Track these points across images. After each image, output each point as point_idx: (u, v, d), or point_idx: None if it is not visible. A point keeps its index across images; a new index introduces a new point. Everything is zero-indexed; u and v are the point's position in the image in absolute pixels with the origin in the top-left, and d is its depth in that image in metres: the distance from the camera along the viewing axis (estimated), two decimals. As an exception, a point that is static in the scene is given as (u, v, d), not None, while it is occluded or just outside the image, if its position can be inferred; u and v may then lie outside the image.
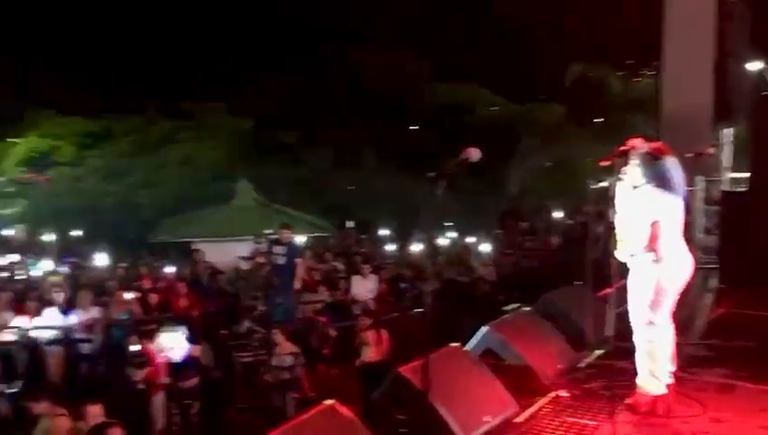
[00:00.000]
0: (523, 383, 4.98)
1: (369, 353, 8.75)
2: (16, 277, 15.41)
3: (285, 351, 8.49)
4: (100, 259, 17.04)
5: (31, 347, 10.87)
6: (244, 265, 13.05)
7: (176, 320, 9.75)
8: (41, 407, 6.41)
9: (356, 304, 12.04)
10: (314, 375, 9.71)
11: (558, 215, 22.67)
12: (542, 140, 27.32)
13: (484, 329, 5.60)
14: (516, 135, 28.05)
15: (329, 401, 3.58)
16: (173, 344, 8.50)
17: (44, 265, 16.63)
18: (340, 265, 15.61)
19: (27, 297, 12.15)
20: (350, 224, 26.04)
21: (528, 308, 6.50)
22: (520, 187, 28.76)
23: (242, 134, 27.61)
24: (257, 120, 28.45)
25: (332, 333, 10.69)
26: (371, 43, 29.68)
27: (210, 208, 20.00)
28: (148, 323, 10.28)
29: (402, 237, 21.64)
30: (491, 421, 4.29)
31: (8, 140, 29.57)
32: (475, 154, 3.62)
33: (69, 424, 6.14)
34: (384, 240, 22.11)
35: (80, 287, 12.66)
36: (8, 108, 30.81)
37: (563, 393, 4.97)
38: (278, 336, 8.66)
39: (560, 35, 26.48)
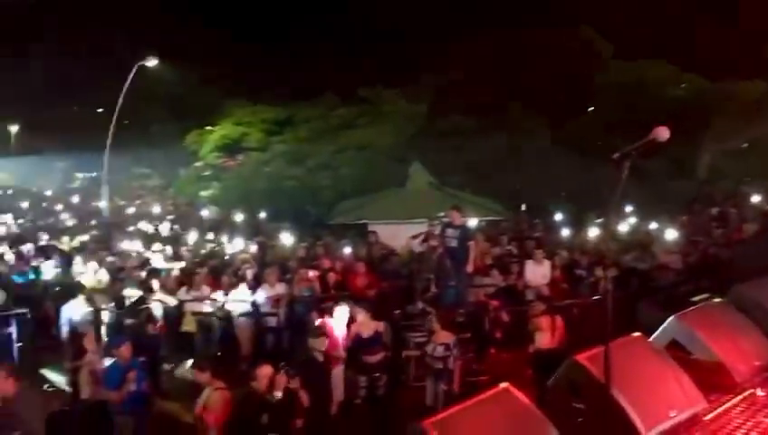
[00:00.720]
0: (712, 379, 4.64)
1: (543, 340, 8.57)
2: (213, 254, 16.76)
3: (440, 339, 8.47)
4: (285, 239, 18.09)
5: (225, 319, 11.89)
6: (418, 248, 13.23)
7: (353, 298, 10.17)
8: (204, 377, 6.94)
9: (529, 289, 11.84)
10: (485, 358, 9.71)
11: (755, 200, 20.68)
12: (737, 119, 25.02)
13: (670, 319, 5.27)
14: (707, 114, 25.94)
15: (503, 384, 3.56)
16: (355, 320, 8.88)
17: (236, 244, 17.95)
18: (513, 250, 15.41)
19: (222, 273, 13.26)
20: (523, 207, 25.52)
21: (719, 299, 6.03)
22: (709, 170, 26.64)
23: (416, 119, 27.93)
24: (431, 105, 28.66)
25: (504, 317, 10.60)
26: (552, 24, 28.78)
27: (385, 192, 20.48)
28: (328, 299, 10.81)
29: (577, 222, 20.87)
30: (676, 416, 4.04)
31: (206, 128, 32.28)
32: (663, 133, 3.39)
33: (227, 396, 6.67)
34: (558, 225, 21.43)
35: (266, 265, 13.56)
36: (210, 98, 33.84)
37: (760, 392, 4.56)
38: (434, 324, 8.63)
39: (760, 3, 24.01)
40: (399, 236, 15.42)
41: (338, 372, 8.83)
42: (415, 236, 13.52)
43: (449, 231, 11.23)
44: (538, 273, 12.13)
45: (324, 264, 13.27)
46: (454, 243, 11.08)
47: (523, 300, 11.22)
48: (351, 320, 9.07)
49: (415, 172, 19.24)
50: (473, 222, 14.40)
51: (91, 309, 10.42)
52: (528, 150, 26.69)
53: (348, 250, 15.47)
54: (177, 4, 39.70)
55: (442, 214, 12.05)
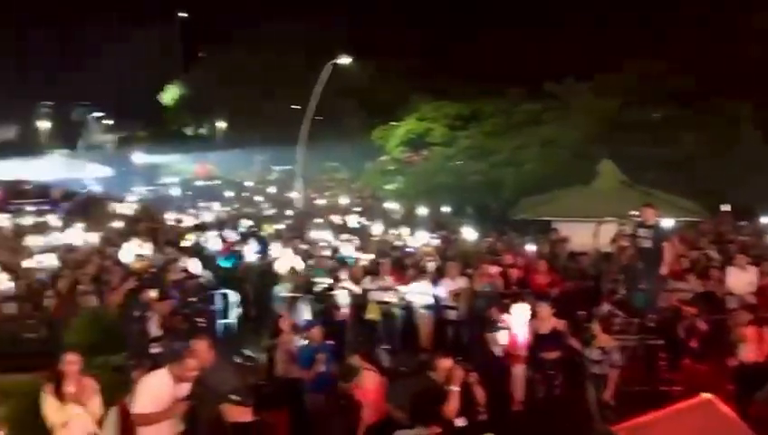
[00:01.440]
0: None
1: (748, 352, 7.86)
2: (396, 246, 17.23)
3: (599, 343, 8.10)
4: (467, 233, 18.17)
5: (407, 309, 12.18)
6: (607, 247, 12.67)
7: (535, 295, 9.96)
8: (356, 360, 7.43)
9: (731, 297, 10.88)
10: (679, 368, 9.08)
11: None
12: None
13: None
14: None
15: (706, 395, 3.30)
16: (534, 317, 8.71)
17: (419, 237, 18.31)
18: (712, 253, 14.24)
19: (405, 265, 13.59)
20: (725, 208, 23.39)
21: None
22: None
23: (606, 113, 26.67)
24: (626, 97, 27.19)
25: (702, 325, 9.82)
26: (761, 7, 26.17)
27: (571, 189, 19.80)
28: (509, 296, 10.69)
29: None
30: None
31: (392, 123, 33.22)
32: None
33: (376, 377, 7.12)
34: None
35: (448, 259, 13.69)
36: (397, 94, 34.86)
37: None
38: (596, 327, 8.30)
39: None
40: (585, 234, 14.84)
41: (518, 370, 8.71)
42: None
43: (641, 231, 10.57)
44: (743, 280, 11.10)
45: (506, 260, 13.13)
46: (647, 243, 10.42)
47: (724, 308, 10.33)
48: (532, 317, 8.90)
49: (604, 169, 18.38)
50: (668, 222, 13.49)
51: (288, 293, 11.14)
52: (733, 144, 24.47)
53: (530, 247, 15.19)
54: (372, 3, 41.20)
55: (634, 212, 11.40)
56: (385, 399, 7.28)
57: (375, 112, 35.34)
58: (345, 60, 26.98)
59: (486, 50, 35.35)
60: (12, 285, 13.06)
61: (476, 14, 38.98)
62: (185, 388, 5.68)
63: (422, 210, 25.15)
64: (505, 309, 9.49)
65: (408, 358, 10.89)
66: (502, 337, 8.27)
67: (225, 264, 15.23)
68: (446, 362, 6.49)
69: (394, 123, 33.14)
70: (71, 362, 6.03)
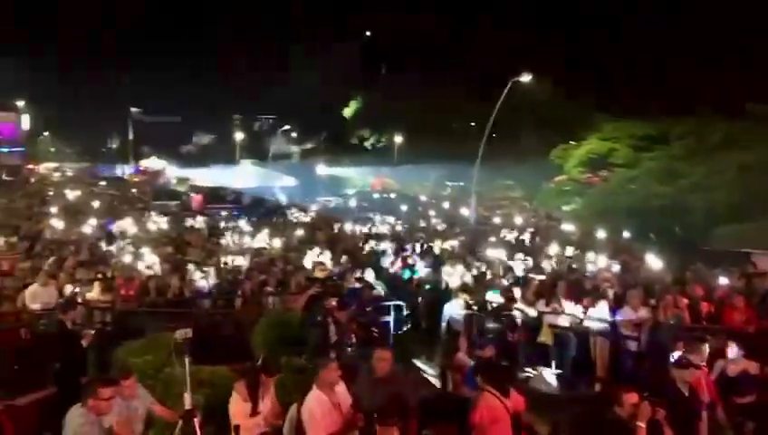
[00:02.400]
0: None
1: None
2: (573, 269, 16.63)
3: None
4: (650, 260, 17.14)
5: (581, 335, 11.68)
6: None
7: (728, 333, 9.16)
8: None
9: None
10: None
11: None
12: None
13: None
14: None
15: None
16: (725, 357, 8.04)
17: (597, 261, 17.55)
18: None
19: (581, 289, 13.06)
20: None
21: None
22: None
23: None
24: None
25: None
26: None
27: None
28: (698, 331, 9.91)
29: None
30: None
31: (572, 142, 32.28)
32: None
33: (491, 401, 6.44)
34: None
35: (629, 286, 12.96)
36: (577, 113, 33.85)
37: None
38: None
39: None
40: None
41: (705, 413, 8.03)
42: None
43: None
44: None
45: (696, 292, 12.19)
46: None
47: None
48: (723, 357, 8.20)
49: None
50: None
51: (465, 311, 11.13)
52: None
53: (724, 280, 13.99)
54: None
55: None
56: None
57: (554, 131, 34.51)
58: (526, 77, 26.62)
59: (675, 68, 33.26)
60: (205, 282, 14.18)
61: (664, 28, 36.84)
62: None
63: (600, 233, 24.08)
64: (693, 345, 8.82)
65: (581, 386, 10.45)
66: (689, 373, 7.66)
67: (401, 276, 15.54)
68: (632, 397, 6.14)
69: (574, 143, 32.18)
70: (263, 358, 6.46)
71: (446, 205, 38.12)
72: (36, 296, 11.61)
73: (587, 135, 31.66)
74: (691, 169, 26.58)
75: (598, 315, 11.49)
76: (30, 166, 57.32)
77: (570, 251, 19.82)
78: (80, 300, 11.02)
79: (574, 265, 17.23)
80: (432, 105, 51.18)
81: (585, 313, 11.68)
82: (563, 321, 11.80)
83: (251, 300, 13.02)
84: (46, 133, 62.30)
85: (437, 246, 19.76)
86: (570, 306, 12.00)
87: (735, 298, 11.32)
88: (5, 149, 53.39)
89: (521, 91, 29.19)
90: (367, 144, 60.39)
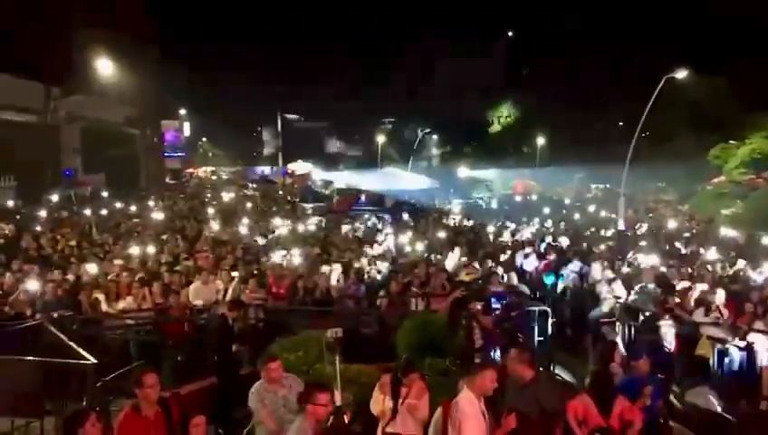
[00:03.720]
0: None
1: None
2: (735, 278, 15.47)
3: None
4: (825, 270, 15.57)
5: (746, 349, 10.83)
6: None
7: None
8: None
9: None
10: None
11: None
12: None
13: None
14: None
15: None
16: None
17: (764, 270, 16.18)
18: None
19: (746, 299, 12.14)
20: None
21: None
22: None
23: None
24: None
25: None
26: None
27: None
28: None
29: None
30: None
31: (731, 142, 30.08)
32: None
33: None
34: None
35: (801, 298, 11.89)
36: (738, 111, 31.43)
37: None
38: None
39: None
40: None
41: None
42: None
43: None
44: None
45: None
46: None
47: None
48: None
49: None
50: None
51: (615, 320, 10.72)
52: None
53: None
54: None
55: None
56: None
57: (712, 130, 32.23)
58: (681, 73, 25.03)
59: None
60: (350, 282, 14.52)
61: None
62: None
63: (765, 240, 22.19)
64: None
65: (743, 404, 9.71)
66: None
67: (545, 281, 15.18)
68: None
69: (734, 142, 29.93)
70: (407, 359, 6.53)
71: (591, 208, 36.72)
72: (199, 293, 12.46)
73: (750, 134, 29.31)
74: None
75: (765, 329, 10.65)
76: (190, 170, 61.77)
77: (731, 258, 18.43)
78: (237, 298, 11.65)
79: (737, 274, 16.03)
80: (576, 105, 49.73)
81: (750, 325, 10.85)
82: (725, 333, 11.02)
83: (395, 301, 13.20)
84: (204, 139, 66.77)
85: (583, 250, 19.07)
86: (732, 318, 11.22)
87: None
88: (170, 154, 57.81)
89: (675, 88, 27.54)
90: (509, 146, 59.62)
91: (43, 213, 25.56)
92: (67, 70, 32.31)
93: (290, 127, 71.28)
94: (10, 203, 29.19)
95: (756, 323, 10.81)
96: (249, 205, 34.11)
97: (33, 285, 12.22)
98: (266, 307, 12.27)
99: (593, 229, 26.14)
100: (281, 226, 24.96)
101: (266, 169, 62.85)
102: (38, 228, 21.59)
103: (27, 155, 32.00)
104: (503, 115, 63.75)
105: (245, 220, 25.30)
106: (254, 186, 51.97)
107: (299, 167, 58.49)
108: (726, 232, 24.51)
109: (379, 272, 15.69)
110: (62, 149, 35.34)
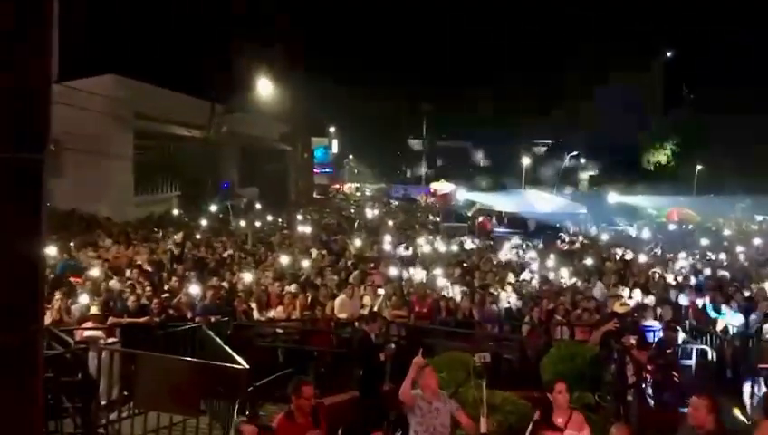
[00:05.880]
0: None
1: None
2: None
3: None
4: None
5: None
6: None
7: None
8: None
9: None
10: None
11: None
12: None
13: None
14: None
15: None
16: None
17: None
18: None
19: None
20: None
21: None
22: None
23: None
24: None
25: None
26: None
27: None
28: None
29: None
30: None
31: None
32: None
33: None
34: None
35: None
36: None
37: None
38: None
39: None
40: None
41: None
42: None
43: None
44: None
45: None
46: None
47: None
48: None
49: None
50: None
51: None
52: None
53: None
54: None
55: None
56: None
57: None
58: None
59: None
60: (495, 306, 14.30)
61: None
62: None
63: None
64: None
65: None
66: None
67: (708, 314, 14.15)
68: None
69: None
70: (559, 390, 6.28)
71: (756, 240, 33.86)
72: (344, 307, 12.76)
73: None
74: None
75: None
76: (336, 185, 63.81)
77: None
78: (383, 314, 11.80)
79: None
80: (739, 129, 46.47)
81: None
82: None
83: (538, 328, 12.85)
84: (351, 156, 68.77)
85: (748, 287, 17.59)
86: None
87: None
88: (319, 171, 60.03)
89: None
90: (665, 172, 56.61)
91: (203, 222, 27.35)
92: (229, 88, 34.47)
93: (434, 145, 71.78)
94: (175, 212, 31.54)
95: None
96: (391, 222, 34.61)
97: (194, 289, 13.02)
98: (408, 325, 12.35)
99: (760, 264, 24.03)
100: (423, 244, 25.09)
101: (410, 188, 63.63)
102: (198, 236, 23.10)
103: (191, 168, 34.49)
104: (657, 137, 60.65)
105: (388, 237, 25.65)
106: (397, 203, 52.75)
107: (442, 186, 58.70)
108: None
109: (523, 296, 15.36)
110: (221, 164, 37.67)
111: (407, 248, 24.26)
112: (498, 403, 7.34)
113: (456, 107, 64.41)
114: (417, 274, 17.87)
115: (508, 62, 64.36)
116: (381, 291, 14.09)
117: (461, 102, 64.48)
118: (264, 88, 33.30)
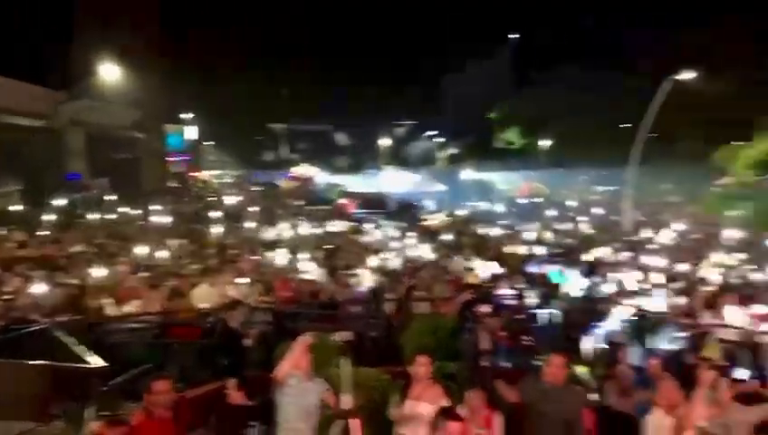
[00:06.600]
0: None
1: None
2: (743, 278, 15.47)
3: None
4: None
5: (752, 348, 10.76)
6: None
7: None
8: None
9: None
10: None
11: None
12: None
13: None
14: None
15: None
16: None
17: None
18: None
19: (753, 300, 12.10)
20: None
21: None
22: None
23: None
24: None
25: None
26: None
27: None
28: None
29: None
30: None
31: (738, 143, 30.02)
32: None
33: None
34: None
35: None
36: (745, 112, 31.34)
37: None
38: None
39: None
40: None
41: None
42: None
43: None
44: None
45: None
46: None
47: None
48: None
49: None
50: None
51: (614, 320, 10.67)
52: None
53: None
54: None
55: None
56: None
57: (718, 131, 32.14)
58: (688, 75, 24.97)
59: None
60: (356, 286, 14.50)
61: None
62: None
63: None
64: None
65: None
66: None
67: (553, 280, 15.09)
68: None
69: (743, 143, 29.86)
70: (421, 363, 6.51)
71: (597, 210, 36.58)
72: (205, 296, 12.44)
73: (756, 135, 29.21)
74: None
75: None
76: (193, 173, 61.68)
77: (739, 259, 18.38)
78: (244, 301, 11.62)
79: (744, 275, 16.00)
80: (582, 107, 49.67)
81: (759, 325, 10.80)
82: (733, 334, 10.96)
83: (401, 304, 13.16)
84: (209, 143, 66.72)
85: (589, 252, 19.03)
86: (740, 318, 11.16)
87: None
88: (173, 158, 57.68)
89: (684, 89, 27.48)
90: (515, 148, 59.57)
91: (48, 217, 25.58)
92: (71, 74, 32.47)
93: (294, 130, 71.21)
94: (15, 207, 29.23)
95: (764, 326, 10.75)
96: (252, 208, 34.08)
97: (38, 288, 12.22)
98: (273, 310, 12.25)
99: (599, 232, 26.05)
100: (286, 229, 24.96)
101: (271, 173, 62.70)
102: (44, 232, 21.63)
103: (33, 160, 32.12)
104: (507, 117, 63.67)
105: (250, 224, 25.30)
106: (259, 189, 51.96)
107: (303, 170, 58.42)
108: (732, 233, 24.41)
109: (384, 275, 15.67)
110: (67, 154, 35.39)
111: (269, 234, 24.05)
112: (362, 380, 7.46)
113: (317, 91, 64.12)
114: (281, 258, 17.78)
115: (366, 46, 64.90)
116: (244, 279, 13.88)
117: (321, 86, 64.26)
118: (112, 73, 31.55)
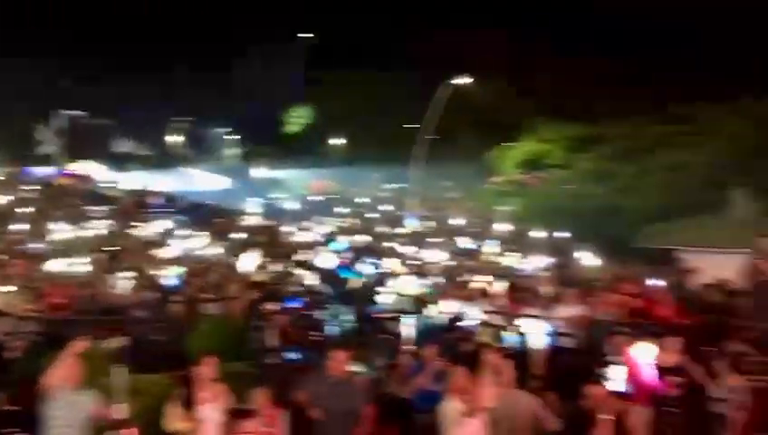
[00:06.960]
0: None
1: None
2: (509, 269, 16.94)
3: (725, 382, 7.56)
4: (585, 259, 17.61)
5: (520, 334, 11.85)
6: (740, 280, 11.86)
7: (658, 328, 9.44)
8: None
9: None
10: None
11: None
12: None
13: None
14: None
15: None
16: (655, 351, 8.27)
17: (533, 261, 17.92)
18: None
19: (517, 289, 13.32)
20: None
21: None
22: None
23: (744, 139, 24.86)
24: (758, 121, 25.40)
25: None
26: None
27: (700, 218, 18.80)
28: (630, 326, 10.17)
29: None
30: None
31: (508, 144, 32.89)
32: None
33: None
34: None
35: (565, 284, 13.26)
36: (515, 115, 34.42)
37: None
38: (724, 365, 7.80)
39: None
40: (715, 265, 14.00)
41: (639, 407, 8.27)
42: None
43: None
44: None
45: (628, 289, 12.55)
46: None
47: None
48: (654, 350, 8.46)
49: (738, 199, 17.30)
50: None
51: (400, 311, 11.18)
52: None
53: (653, 277, 14.49)
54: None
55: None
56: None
57: (493, 132, 35.02)
58: (464, 79, 26.95)
59: (611, 70, 34.18)
60: (140, 290, 13.80)
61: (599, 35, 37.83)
62: None
63: (537, 233, 24.55)
64: (626, 340, 9.05)
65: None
66: (620, 370, 7.87)
67: (343, 276, 15.47)
68: (597, 390, 6.49)
69: (512, 144, 32.81)
70: (205, 365, 6.36)
71: (386, 207, 38.16)
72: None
73: (524, 136, 32.30)
74: (624, 170, 27.35)
75: (535, 314, 11.69)
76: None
77: (505, 251, 20.16)
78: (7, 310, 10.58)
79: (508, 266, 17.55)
80: (373, 107, 51.28)
81: (524, 311, 11.87)
82: (501, 320, 11.95)
83: (188, 306, 12.75)
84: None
85: (378, 247, 19.81)
86: (506, 306, 12.19)
87: (664, 294, 11.72)
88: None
89: (461, 92, 29.53)
90: (306, 147, 60.10)
91: None
92: None
93: (73, 125, 65.74)
94: None
95: (528, 310, 11.86)
96: (26, 209, 31.01)
97: None
98: (43, 319, 11.26)
99: (387, 228, 27.18)
100: (64, 231, 23.08)
101: (45, 171, 57.26)
102: None
103: None
104: (299, 116, 64.13)
105: (23, 226, 23.04)
106: (35, 188, 47.28)
107: (83, 167, 54.15)
108: (502, 227, 26.72)
109: (171, 277, 15.07)
110: None
111: (44, 236, 22.09)
112: (142, 387, 7.14)
113: (96, 82, 59.73)
114: (56, 263, 16.43)
115: (152, 41, 61.66)
116: (11, 287, 12.61)
117: (103, 77, 59.96)
118: None
